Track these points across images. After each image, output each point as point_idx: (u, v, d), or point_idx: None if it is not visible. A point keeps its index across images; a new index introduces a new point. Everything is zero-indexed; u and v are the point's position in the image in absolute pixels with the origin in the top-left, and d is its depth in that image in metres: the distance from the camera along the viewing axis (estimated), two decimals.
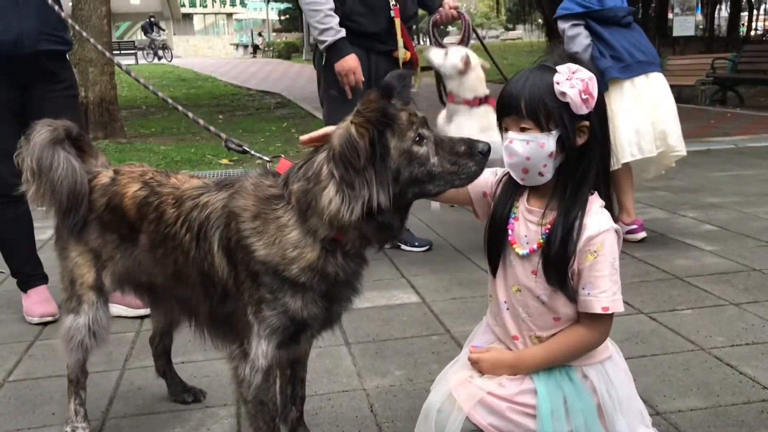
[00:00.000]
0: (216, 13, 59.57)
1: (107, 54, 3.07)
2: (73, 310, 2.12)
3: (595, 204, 1.66)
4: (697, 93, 12.47)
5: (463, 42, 4.26)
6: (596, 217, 1.63)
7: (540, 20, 31.82)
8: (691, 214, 5.00)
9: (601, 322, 1.64)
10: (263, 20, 54.48)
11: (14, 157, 2.11)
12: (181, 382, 2.49)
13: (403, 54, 3.99)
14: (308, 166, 1.65)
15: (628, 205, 4.24)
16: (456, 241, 4.45)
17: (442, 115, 4.28)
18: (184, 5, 52.56)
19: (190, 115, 2.42)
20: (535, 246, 1.67)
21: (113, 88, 9.76)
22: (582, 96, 1.56)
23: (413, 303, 3.40)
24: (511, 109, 1.63)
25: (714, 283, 3.50)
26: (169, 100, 2.53)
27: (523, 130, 1.61)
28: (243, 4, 57.41)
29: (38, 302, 3.30)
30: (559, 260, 1.62)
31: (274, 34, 48.76)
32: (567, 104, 1.57)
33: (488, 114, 3.99)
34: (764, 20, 32.47)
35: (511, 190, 1.74)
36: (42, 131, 2.06)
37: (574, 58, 1.64)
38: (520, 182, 1.68)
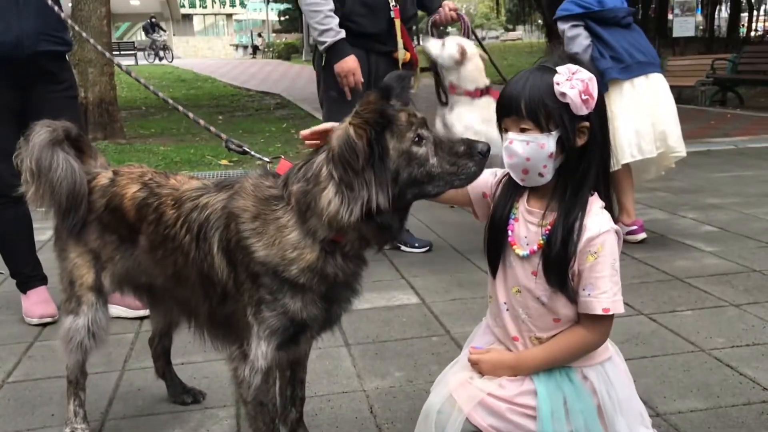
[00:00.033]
0: (216, 14, 59.60)
1: (107, 54, 3.07)
2: (73, 311, 2.12)
3: (596, 205, 1.65)
4: (697, 94, 12.47)
5: None
6: (596, 218, 1.63)
7: (540, 21, 31.85)
8: (691, 215, 5.00)
9: (602, 323, 1.64)
10: (263, 21, 54.53)
11: (13, 158, 2.11)
12: (181, 383, 2.49)
13: (402, 55, 3.99)
14: (308, 167, 1.65)
15: (628, 206, 4.24)
16: (456, 242, 4.45)
17: (439, 114, 4.27)
18: (183, 6, 52.59)
19: (191, 115, 2.42)
20: (535, 247, 1.66)
21: (113, 89, 9.76)
22: (582, 97, 1.56)
23: (413, 304, 3.40)
24: (511, 110, 1.62)
25: (714, 284, 3.50)
26: (170, 101, 2.53)
27: (523, 130, 1.61)
28: (243, 4, 57.44)
29: (38, 303, 3.30)
30: (559, 261, 1.62)
31: (274, 34, 48.76)
32: (567, 105, 1.57)
33: (490, 105, 3.99)
34: (764, 21, 32.49)
35: (510, 190, 1.74)
36: (41, 132, 2.06)
37: (574, 59, 1.64)
38: (520, 183, 1.68)
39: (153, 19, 34.96)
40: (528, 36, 47.88)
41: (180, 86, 19.54)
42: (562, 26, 4.17)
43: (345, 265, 1.69)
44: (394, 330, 3.07)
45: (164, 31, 36.33)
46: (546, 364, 1.68)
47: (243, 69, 27.67)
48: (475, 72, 4.11)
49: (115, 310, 3.03)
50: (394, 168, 1.57)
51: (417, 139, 1.60)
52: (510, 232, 1.71)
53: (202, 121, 2.39)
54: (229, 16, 59.32)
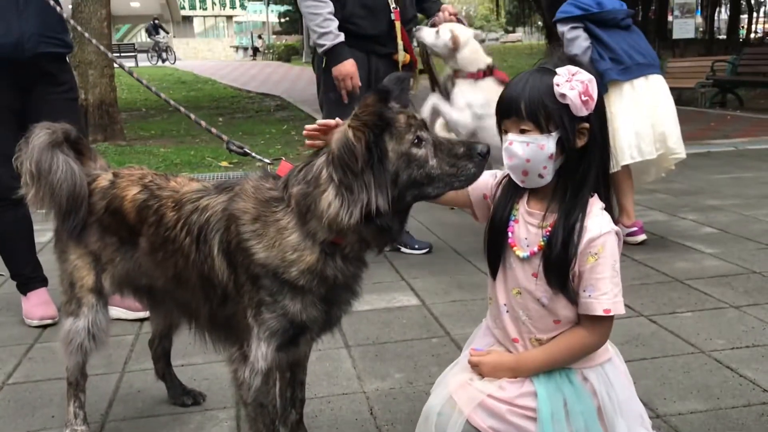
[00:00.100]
0: (216, 16, 59.69)
1: (109, 55, 3.07)
2: (73, 313, 2.12)
3: (596, 206, 1.65)
4: (696, 95, 12.48)
5: None
6: (597, 219, 1.63)
7: (540, 23, 31.86)
8: (691, 216, 5.00)
9: (602, 324, 1.64)
10: (263, 23, 54.52)
11: (13, 161, 2.11)
12: (181, 385, 2.49)
13: (402, 57, 4.00)
14: (308, 170, 1.65)
15: (628, 207, 4.24)
16: (456, 244, 4.45)
17: (428, 104, 4.24)
18: (184, 8, 52.67)
19: (193, 116, 2.42)
20: (535, 248, 1.66)
21: (113, 91, 9.76)
22: (582, 98, 1.56)
23: (413, 306, 3.40)
24: (510, 111, 1.63)
25: (714, 286, 3.50)
26: (172, 102, 2.54)
27: (523, 132, 1.61)
28: (243, 6, 57.52)
29: (38, 305, 3.30)
30: (560, 263, 1.62)
31: (274, 36, 48.75)
32: (567, 106, 1.57)
33: (492, 86, 3.99)
34: (764, 23, 32.51)
35: (510, 192, 1.74)
36: (40, 134, 2.06)
37: (573, 61, 1.64)
38: (520, 184, 1.68)
39: (156, 21, 34.95)
40: (528, 38, 47.90)
41: (180, 88, 19.54)
42: (562, 28, 4.17)
43: (345, 267, 1.69)
44: (394, 331, 3.07)
45: (167, 32, 36.35)
46: (546, 365, 1.68)
47: (243, 71, 27.68)
48: (472, 55, 4.07)
49: (115, 311, 3.04)
50: (394, 170, 1.57)
51: (416, 140, 1.60)
52: (510, 234, 1.71)
53: (203, 123, 2.39)
54: (229, 17, 59.41)
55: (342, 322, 1.90)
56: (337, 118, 1.68)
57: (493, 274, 1.77)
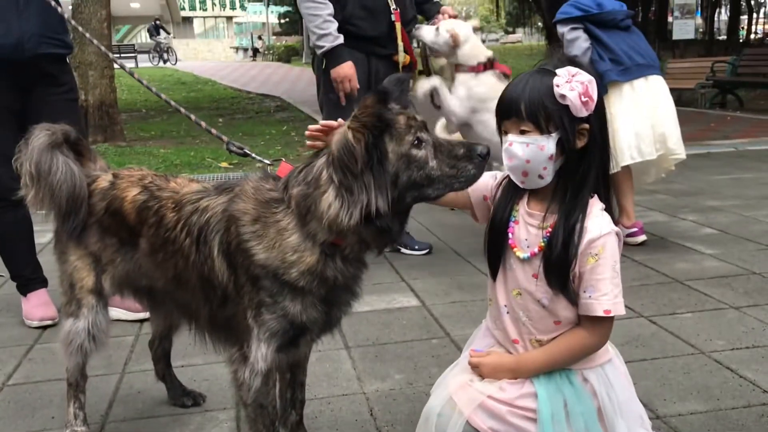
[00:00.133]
0: (216, 17, 59.72)
1: (110, 55, 3.07)
2: (73, 314, 2.12)
3: (596, 207, 1.66)
4: (696, 96, 12.47)
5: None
6: (597, 220, 1.63)
7: (540, 24, 31.86)
8: (691, 217, 5.00)
9: (602, 325, 1.64)
10: (263, 23, 54.55)
11: (13, 162, 2.11)
12: (181, 386, 2.49)
13: (402, 58, 4.00)
14: (308, 171, 1.65)
15: (628, 208, 4.24)
16: (456, 245, 4.45)
17: (427, 84, 4.20)
18: (184, 8, 52.71)
19: (193, 117, 2.42)
20: (536, 249, 1.66)
21: (113, 92, 9.76)
22: (582, 98, 1.57)
23: (413, 306, 3.40)
24: (510, 112, 1.63)
25: (714, 287, 3.50)
26: (172, 102, 2.54)
27: (523, 132, 1.61)
28: (243, 7, 57.54)
29: (38, 306, 3.30)
30: (560, 263, 1.62)
31: (274, 37, 48.76)
32: (567, 107, 1.57)
33: (492, 80, 4.00)
34: (764, 23, 32.52)
35: (510, 193, 1.74)
36: (40, 135, 2.06)
37: (573, 62, 1.64)
38: (520, 185, 1.68)
39: (157, 22, 34.95)
40: (528, 39, 47.91)
41: (180, 89, 19.54)
42: (562, 29, 4.17)
43: (345, 269, 1.69)
44: (394, 332, 3.07)
45: (168, 33, 36.36)
46: (546, 366, 1.68)
47: (243, 71, 27.68)
48: (473, 50, 4.07)
49: (115, 312, 3.03)
50: (394, 171, 1.57)
51: (416, 142, 1.60)
52: (510, 235, 1.71)
53: (203, 124, 2.39)
54: (229, 18, 59.43)
55: (342, 323, 1.90)
56: (339, 119, 1.68)
57: (494, 275, 1.77)
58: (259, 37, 47.67)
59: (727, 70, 12.79)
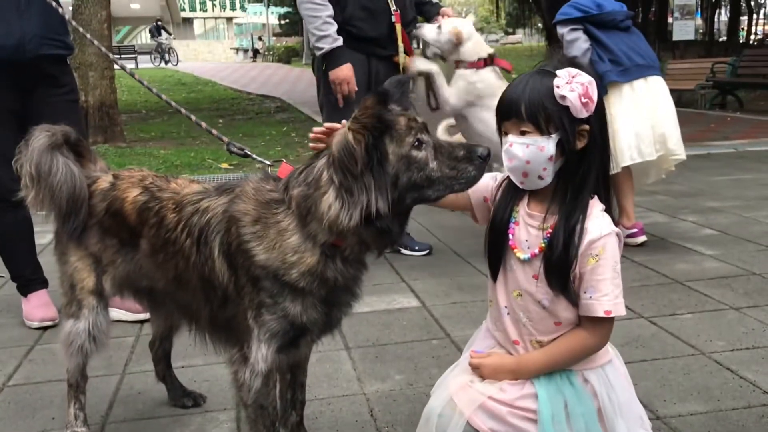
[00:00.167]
0: (216, 18, 59.70)
1: (111, 56, 3.08)
2: (73, 315, 2.12)
3: (596, 208, 1.66)
4: (696, 97, 12.47)
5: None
6: (597, 221, 1.63)
7: (540, 24, 31.85)
8: (691, 218, 5.00)
9: (603, 325, 1.64)
10: (263, 24, 54.53)
11: (13, 163, 2.11)
12: (181, 387, 2.49)
13: (403, 59, 4.00)
14: (309, 171, 1.65)
15: (629, 208, 4.24)
16: (456, 246, 4.45)
17: (425, 65, 4.19)
18: (184, 9, 52.70)
19: (193, 118, 2.42)
20: (536, 250, 1.66)
21: (113, 93, 9.75)
22: (582, 99, 1.57)
23: (413, 307, 3.40)
24: (510, 113, 1.63)
25: (714, 288, 3.50)
26: (173, 103, 2.54)
27: (523, 133, 1.62)
28: (243, 8, 57.53)
29: (38, 306, 3.30)
30: (561, 264, 1.62)
31: (274, 38, 48.74)
32: (567, 108, 1.57)
33: (491, 77, 4.01)
34: (764, 24, 32.53)
35: (511, 194, 1.74)
36: (40, 136, 2.07)
37: (573, 63, 1.65)
38: (520, 186, 1.68)
39: (159, 22, 34.94)
40: (528, 39, 47.93)
41: (180, 89, 19.54)
42: (561, 30, 4.18)
43: (345, 269, 1.70)
44: (394, 333, 3.08)
45: (170, 34, 36.36)
46: (547, 367, 1.68)
47: (243, 72, 27.68)
48: (475, 47, 4.08)
49: (115, 313, 3.04)
50: (394, 172, 1.58)
51: (416, 143, 1.60)
52: (511, 236, 1.71)
53: (204, 124, 2.39)
54: (229, 19, 59.42)
55: (342, 323, 1.90)
56: (343, 121, 1.68)
57: (494, 276, 1.77)
58: (260, 38, 47.66)
59: (727, 71, 12.80)
